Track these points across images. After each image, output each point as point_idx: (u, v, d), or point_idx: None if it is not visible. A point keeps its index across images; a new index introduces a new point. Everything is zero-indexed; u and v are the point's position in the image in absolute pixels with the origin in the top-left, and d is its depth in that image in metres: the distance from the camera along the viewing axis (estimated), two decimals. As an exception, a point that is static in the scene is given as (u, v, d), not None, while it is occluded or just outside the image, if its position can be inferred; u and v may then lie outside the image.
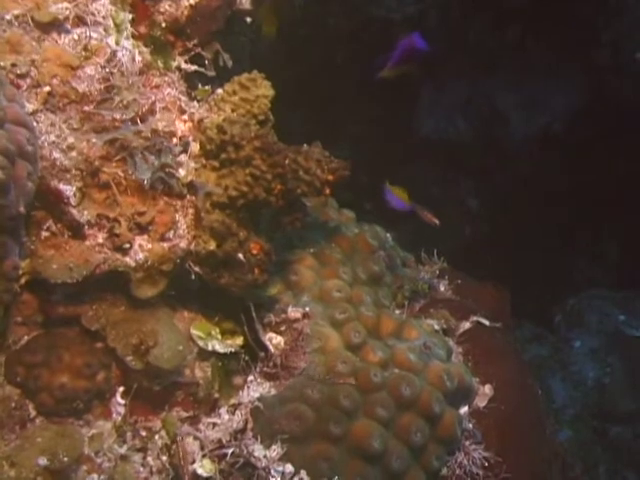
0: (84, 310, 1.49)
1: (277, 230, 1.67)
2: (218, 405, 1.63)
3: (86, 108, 1.42)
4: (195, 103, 1.61)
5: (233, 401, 1.64)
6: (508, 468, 1.70)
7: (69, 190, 1.41)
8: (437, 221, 2.40)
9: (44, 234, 1.42)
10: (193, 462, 1.54)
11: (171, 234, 1.51)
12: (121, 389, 1.54)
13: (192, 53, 1.71)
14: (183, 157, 1.51)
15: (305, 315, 1.71)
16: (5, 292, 1.28)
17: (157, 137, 1.45)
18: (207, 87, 1.68)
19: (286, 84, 1.83)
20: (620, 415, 3.34)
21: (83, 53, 1.43)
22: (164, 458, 1.55)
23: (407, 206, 2.39)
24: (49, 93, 1.39)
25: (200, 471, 1.53)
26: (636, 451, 3.28)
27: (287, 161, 1.53)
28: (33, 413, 1.45)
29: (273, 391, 1.64)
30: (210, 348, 1.61)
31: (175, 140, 1.50)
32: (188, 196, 1.53)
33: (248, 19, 1.83)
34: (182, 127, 1.52)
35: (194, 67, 1.70)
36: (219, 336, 1.63)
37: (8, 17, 1.37)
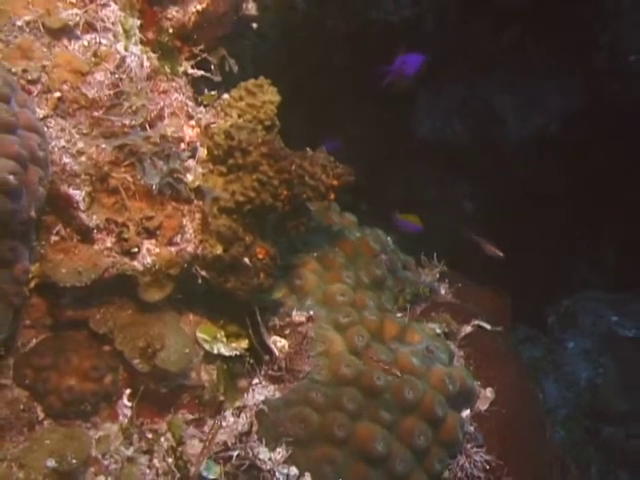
0: (92, 313, 1.51)
1: (282, 235, 1.68)
2: (223, 408, 1.65)
3: (95, 114, 1.44)
4: (202, 108, 1.62)
5: (238, 404, 1.65)
6: (509, 471, 1.72)
7: (78, 195, 1.42)
8: (501, 253, 2.49)
9: (54, 238, 1.43)
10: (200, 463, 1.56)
11: (178, 238, 1.52)
12: (128, 391, 1.55)
13: (198, 58, 1.72)
14: (191, 162, 1.53)
15: (309, 319, 1.73)
16: (15, 296, 1.29)
17: (166, 142, 1.46)
18: (213, 92, 1.69)
19: (287, 86, 1.84)
20: (613, 415, 3.36)
21: (93, 59, 1.44)
22: (170, 460, 1.56)
23: (420, 227, 2.47)
24: (59, 99, 1.40)
25: (206, 473, 1.54)
26: (628, 451, 3.29)
27: (293, 167, 1.54)
28: (41, 415, 1.46)
29: (278, 394, 1.65)
30: (216, 351, 1.62)
31: (183, 145, 1.52)
32: (195, 201, 1.54)
33: (254, 25, 1.84)
34: (190, 133, 1.54)
35: (200, 72, 1.70)
36: (224, 339, 1.65)
37: (19, 23, 1.38)
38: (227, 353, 1.64)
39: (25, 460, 1.38)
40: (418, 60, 2.34)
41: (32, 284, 1.40)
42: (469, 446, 1.74)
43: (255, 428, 1.61)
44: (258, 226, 1.59)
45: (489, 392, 1.82)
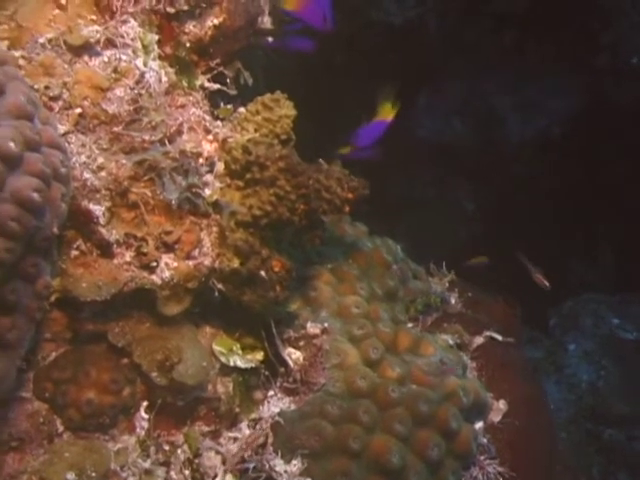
0: (111, 327, 1.52)
1: (298, 248, 1.69)
2: (239, 420, 1.66)
3: (115, 129, 1.45)
4: (219, 122, 1.63)
5: (254, 416, 1.66)
6: (522, 483, 1.73)
7: (98, 210, 1.43)
8: (547, 284, 2.55)
9: (74, 253, 1.44)
10: (215, 476, 1.57)
11: (196, 252, 1.54)
12: (145, 404, 1.57)
13: (214, 72, 1.74)
14: (209, 177, 1.54)
15: (324, 331, 1.74)
16: (38, 311, 1.30)
17: (185, 158, 1.47)
18: (229, 106, 1.70)
19: (296, 92, 1.85)
20: (614, 418, 3.37)
21: (113, 75, 1.45)
22: (187, 472, 1.57)
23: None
24: (80, 115, 1.42)
25: (221, 485, 1.56)
26: (629, 453, 3.31)
27: (311, 181, 1.56)
28: (61, 428, 1.48)
29: (293, 406, 1.66)
30: (232, 363, 1.64)
31: (201, 160, 1.53)
32: (213, 215, 1.55)
33: (270, 39, 1.85)
34: (208, 147, 1.55)
35: (217, 86, 1.72)
36: (240, 352, 1.66)
37: (42, 40, 1.40)
38: (243, 365, 1.65)
39: (45, 473, 1.39)
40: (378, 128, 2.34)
41: (53, 298, 1.41)
42: (482, 458, 1.75)
43: (271, 440, 1.62)
44: (274, 239, 1.60)
45: (502, 404, 1.83)
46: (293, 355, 1.71)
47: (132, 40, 1.50)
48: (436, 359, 1.78)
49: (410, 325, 1.96)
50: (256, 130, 1.63)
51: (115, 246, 1.46)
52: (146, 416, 1.56)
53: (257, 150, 1.54)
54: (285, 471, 1.57)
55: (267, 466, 1.56)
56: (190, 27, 1.65)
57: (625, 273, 4.07)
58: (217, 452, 1.60)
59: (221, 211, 1.55)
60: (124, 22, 1.50)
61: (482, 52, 4.10)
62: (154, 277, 1.50)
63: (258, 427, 1.64)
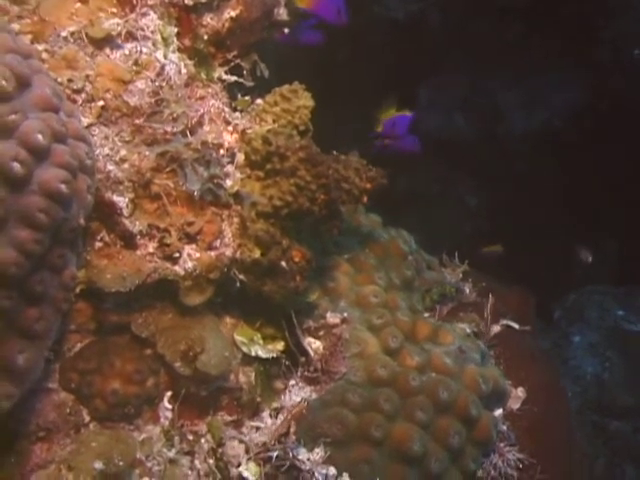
0: (134, 318, 1.53)
1: (316, 237, 1.70)
2: (260, 409, 1.67)
3: (137, 121, 1.46)
4: (237, 114, 1.64)
5: (275, 405, 1.68)
6: (542, 469, 1.74)
7: (122, 201, 1.44)
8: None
9: (98, 244, 1.45)
10: (239, 465, 1.58)
11: (218, 243, 1.55)
12: (169, 394, 1.58)
13: (232, 64, 1.74)
14: (230, 168, 1.55)
15: (343, 320, 1.75)
16: (64, 302, 1.31)
17: (206, 149, 1.48)
18: (247, 97, 1.71)
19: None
20: (619, 409, 3.38)
21: (134, 67, 1.46)
22: (211, 461, 1.58)
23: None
24: (103, 107, 1.43)
25: (246, 474, 1.57)
26: (635, 445, 3.31)
27: (330, 171, 1.56)
28: (87, 418, 1.49)
29: (314, 395, 1.68)
30: (253, 353, 1.65)
31: (222, 151, 1.54)
32: (234, 206, 1.56)
33: (286, 30, 1.86)
34: (229, 138, 1.56)
35: (234, 78, 1.73)
36: (261, 341, 1.67)
37: (64, 34, 1.40)
38: (264, 355, 1.66)
39: (74, 462, 1.41)
40: (406, 120, 2.35)
41: (77, 289, 1.42)
42: (502, 445, 1.76)
43: (293, 429, 1.63)
44: (294, 230, 1.61)
45: (520, 391, 1.84)
46: (313, 344, 1.72)
47: (152, 33, 1.51)
48: (455, 347, 1.79)
49: (427, 315, 1.97)
50: (274, 121, 1.64)
51: (138, 237, 1.47)
52: (170, 406, 1.58)
53: (277, 140, 1.55)
54: (308, 459, 1.58)
55: (290, 454, 1.57)
56: (208, 19, 1.66)
57: (629, 265, 4.07)
58: (240, 441, 1.61)
59: (242, 202, 1.56)
60: (144, 15, 1.50)
61: (485, 47, 4.10)
62: (177, 268, 1.51)
63: (280, 416, 1.65)
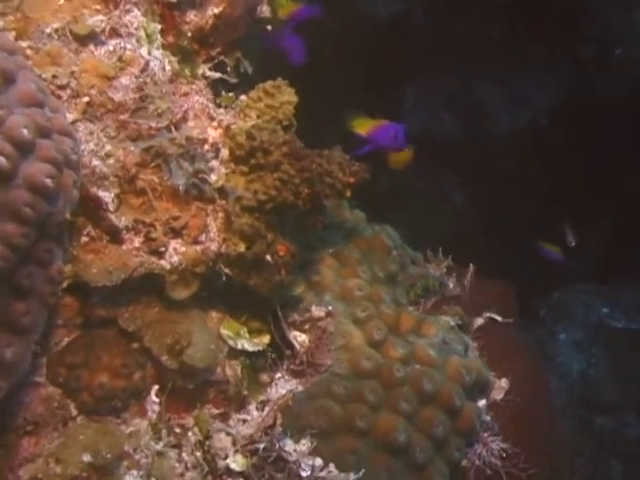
0: (121, 312, 1.54)
1: (301, 232, 1.72)
2: (247, 402, 1.69)
3: (122, 117, 1.47)
4: (222, 110, 1.66)
5: (262, 398, 1.69)
6: (525, 458, 1.77)
7: (107, 196, 1.46)
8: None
9: (84, 239, 1.46)
10: (226, 457, 1.59)
11: (203, 237, 1.56)
12: (156, 387, 1.59)
13: (215, 61, 1.76)
14: (214, 163, 1.56)
15: (328, 314, 1.77)
16: (51, 296, 1.32)
17: (191, 144, 1.50)
18: (231, 94, 1.73)
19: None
20: (604, 405, 3.41)
21: (118, 64, 1.47)
22: (198, 454, 1.60)
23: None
24: (88, 103, 1.44)
25: (233, 466, 1.58)
26: (620, 440, 3.35)
27: (314, 165, 1.58)
28: (74, 412, 1.50)
29: (300, 387, 1.70)
30: (239, 347, 1.66)
31: (207, 146, 1.55)
32: (218, 200, 1.58)
33: (269, 28, 1.88)
34: (213, 134, 1.58)
35: (218, 74, 1.75)
36: (247, 335, 1.69)
37: (48, 30, 1.42)
38: (250, 349, 1.67)
39: (62, 455, 1.41)
40: (397, 129, 2.39)
41: (64, 284, 1.44)
42: (486, 435, 1.79)
43: (279, 421, 1.65)
44: (279, 224, 1.63)
45: (504, 382, 1.87)
46: (299, 338, 1.74)
47: (136, 29, 1.53)
48: (438, 339, 1.82)
49: (411, 308, 1.99)
50: (258, 116, 1.66)
51: (124, 232, 1.48)
52: (157, 400, 1.59)
53: (261, 136, 1.57)
54: (295, 450, 1.59)
55: (277, 446, 1.59)
56: (191, 16, 1.68)
57: (613, 263, 4.11)
58: (227, 434, 1.62)
59: (227, 196, 1.57)
60: (128, 11, 1.52)
61: (469, 45, 4.12)
62: (163, 262, 1.52)
63: (266, 408, 1.67)
